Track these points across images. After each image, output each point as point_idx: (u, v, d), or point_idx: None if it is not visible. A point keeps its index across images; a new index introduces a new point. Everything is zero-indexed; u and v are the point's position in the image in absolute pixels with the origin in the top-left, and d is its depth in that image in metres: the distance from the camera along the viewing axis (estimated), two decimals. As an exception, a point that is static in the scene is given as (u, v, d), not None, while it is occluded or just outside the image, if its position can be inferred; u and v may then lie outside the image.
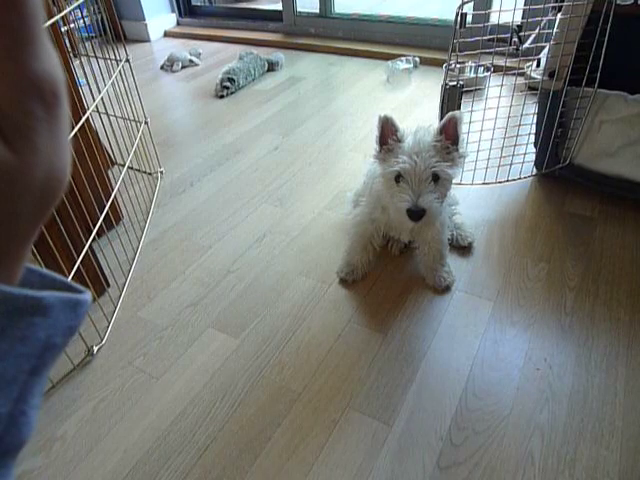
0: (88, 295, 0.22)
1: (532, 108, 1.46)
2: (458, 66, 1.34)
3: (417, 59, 2.45)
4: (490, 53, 1.34)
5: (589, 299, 1.16)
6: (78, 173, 1.17)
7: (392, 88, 2.33)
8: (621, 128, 1.31)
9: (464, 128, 1.04)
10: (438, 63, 2.43)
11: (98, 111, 1.32)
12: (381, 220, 1.17)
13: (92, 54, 1.33)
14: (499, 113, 1.40)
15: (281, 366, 1.05)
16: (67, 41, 2.17)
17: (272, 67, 2.60)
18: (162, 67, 2.77)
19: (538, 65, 1.43)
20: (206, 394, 1.00)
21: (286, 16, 3.00)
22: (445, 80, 1.39)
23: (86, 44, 1.37)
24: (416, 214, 0.97)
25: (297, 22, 2.99)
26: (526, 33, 1.44)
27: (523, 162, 1.51)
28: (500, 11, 1.27)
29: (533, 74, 1.39)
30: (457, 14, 1.25)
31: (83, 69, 1.29)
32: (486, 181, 1.51)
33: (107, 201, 1.27)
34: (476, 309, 1.15)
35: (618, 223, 1.38)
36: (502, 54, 1.36)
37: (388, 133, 1.04)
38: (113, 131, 1.42)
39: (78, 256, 1.07)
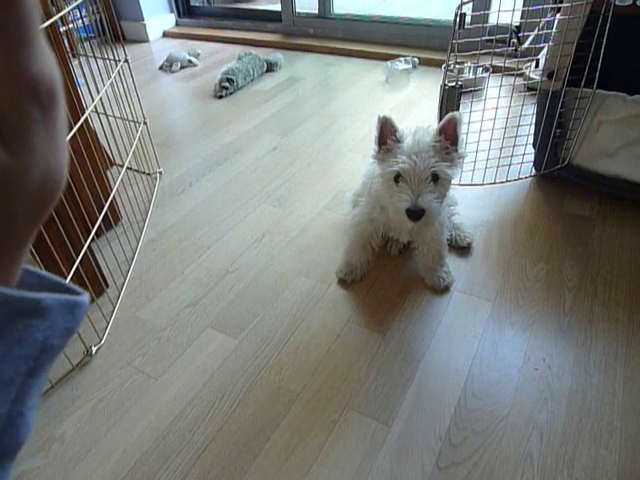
0: (86, 297, 0.22)
1: (531, 109, 1.46)
2: (457, 67, 1.34)
3: (416, 59, 2.46)
4: (489, 54, 1.35)
5: (588, 299, 1.16)
6: (77, 173, 1.17)
7: (391, 88, 2.33)
8: (620, 128, 1.31)
9: (463, 128, 1.04)
10: (437, 63, 2.44)
11: (97, 111, 1.32)
12: (380, 220, 1.17)
13: (91, 54, 1.33)
14: (498, 114, 1.40)
15: (280, 366, 1.05)
16: (66, 41, 2.17)
17: (271, 67, 2.60)
18: (161, 67, 2.77)
19: (537, 66, 1.43)
20: (205, 394, 1.00)
21: (285, 16, 3.00)
22: (444, 81, 1.39)
23: (85, 44, 1.37)
24: (415, 214, 0.97)
25: (296, 22, 2.99)
26: (525, 34, 1.44)
27: (522, 162, 1.51)
28: (499, 12, 1.27)
29: (532, 75, 1.39)
30: (456, 15, 1.25)
31: (82, 69, 1.28)
32: (485, 181, 1.51)
33: (106, 201, 1.27)
34: (475, 309, 1.15)
35: (616, 223, 1.38)
36: (501, 55, 1.36)
37: (387, 133, 1.04)
38: (112, 131, 1.42)
39: (77, 256, 1.07)
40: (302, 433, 0.92)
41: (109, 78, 1.38)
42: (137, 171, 1.68)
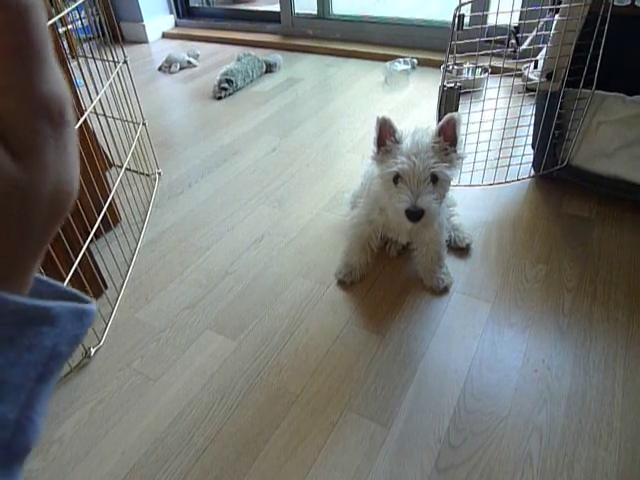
0: (94, 305, 0.23)
1: (530, 109, 1.46)
2: (456, 68, 1.34)
3: (415, 60, 2.46)
4: (488, 55, 1.35)
5: (587, 300, 1.16)
6: (75, 175, 1.17)
7: (390, 89, 2.33)
8: (618, 129, 1.31)
9: (462, 129, 1.04)
10: (436, 64, 2.44)
11: (96, 112, 1.32)
12: (379, 221, 1.17)
13: (90, 55, 1.33)
14: (497, 114, 1.40)
15: (279, 368, 1.04)
16: (65, 42, 2.17)
17: (270, 68, 2.60)
18: (160, 68, 2.77)
19: (536, 67, 1.43)
20: (204, 396, 1.00)
21: (284, 17, 3.00)
22: (443, 82, 1.39)
23: (84, 45, 1.37)
24: (415, 215, 0.97)
25: (295, 23, 2.99)
26: (524, 35, 1.44)
27: (521, 163, 1.51)
28: (497, 13, 1.27)
29: (531, 75, 1.39)
30: (454, 16, 1.25)
31: (81, 70, 1.28)
32: (484, 182, 1.51)
33: (105, 203, 1.27)
34: (474, 310, 1.15)
35: (616, 224, 1.38)
36: (500, 55, 1.36)
37: (386, 134, 1.04)
38: (111, 133, 1.42)
39: (76, 258, 1.07)
40: (301, 435, 0.92)
41: (108, 79, 1.38)
42: (136, 172, 1.68)
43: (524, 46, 1.44)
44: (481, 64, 2.11)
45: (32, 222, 0.20)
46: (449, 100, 1.39)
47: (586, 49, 1.27)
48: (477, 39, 1.29)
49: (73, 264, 1.06)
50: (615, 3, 1.23)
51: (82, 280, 1.11)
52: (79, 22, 1.43)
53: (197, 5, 3.45)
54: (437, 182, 0.99)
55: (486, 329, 1.10)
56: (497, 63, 1.38)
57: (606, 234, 1.35)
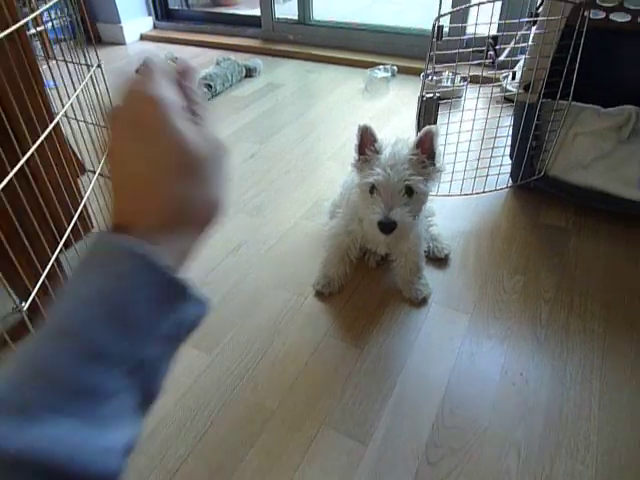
0: (207, 305, 0.32)
1: (508, 120, 1.47)
2: (435, 78, 1.34)
3: (395, 68, 2.46)
4: (467, 64, 1.35)
5: (564, 311, 1.16)
6: (44, 182, 1.12)
7: (370, 96, 2.33)
8: (594, 141, 1.32)
9: (441, 140, 1.04)
10: (416, 72, 2.44)
11: (67, 116, 1.28)
12: (358, 232, 1.16)
13: (61, 58, 1.28)
14: (476, 125, 1.41)
15: (255, 382, 1.02)
16: (38, 43, 2.11)
17: (250, 73, 2.58)
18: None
19: (514, 78, 1.44)
20: (177, 413, 0.96)
21: (264, 22, 2.98)
22: (422, 92, 1.39)
23: (54, 47, 1.32)
24: (387, 227, 0.96)
25: (276, 28, 2.97)
26: (502, 46, 1.45)
27: (499, 173, 1.51)
28: (476, 24, 1.27)
29: (509, 87, 1.40)
30: (434, 26, 1.25)
31: (51, 73, 1.24)
32: (462, 192, 1.52)
33: (76, 211, 1.22)
34: (453, 322, 1.15)
35: (592, 234, 1.39)
36: (479, 65, 1.36)
37: (367, 142, 1.03)
38: (83, 137, 1.37)
39: (43, 269, 1.03)
40: (277, 453, 0.89)
41: (81, 82, 1.33)
42: (109, 178, 1.63)
43: (502, 57, 1.45)
44: (459, 73, 2.12)
45: (203, 229, 0.33)
46: (428, 110, 1.39)
47: (563, 62, 1.28)
48: (456, 50, 1.29)
49: (41, 276, 1.02)
50: (590, 17, 1.25)
51: (50, 293, 1.06)
52: (49, 24, 1.38)
53: (176, 7, 3.40)
54: (413, 195, 0.98)
55: (464, 341, 1.10)
56: (476, 72, 1.38)
57: (582, 244, 1.36)
